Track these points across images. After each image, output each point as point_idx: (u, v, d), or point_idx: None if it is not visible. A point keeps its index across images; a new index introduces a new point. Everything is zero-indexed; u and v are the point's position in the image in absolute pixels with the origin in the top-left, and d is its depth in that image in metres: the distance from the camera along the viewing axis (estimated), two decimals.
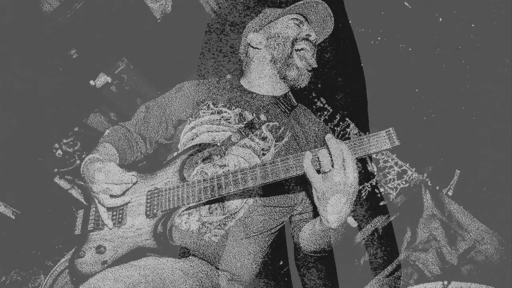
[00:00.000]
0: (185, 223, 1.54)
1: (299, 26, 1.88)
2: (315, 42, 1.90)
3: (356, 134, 2.67)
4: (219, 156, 1.64)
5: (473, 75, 2.27)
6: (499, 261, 2.25)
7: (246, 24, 2.03)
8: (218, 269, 1.59)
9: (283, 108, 1.83)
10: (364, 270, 2.50)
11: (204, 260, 1.57)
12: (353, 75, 2.62)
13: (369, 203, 2.66)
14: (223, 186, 1.43)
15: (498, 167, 2.24)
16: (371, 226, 2.51)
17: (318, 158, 1.27)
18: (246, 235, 1.58)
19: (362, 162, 2.68)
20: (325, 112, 2.73)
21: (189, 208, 1.56)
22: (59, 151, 2.92)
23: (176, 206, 1.50)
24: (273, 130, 1.72)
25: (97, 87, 2.86)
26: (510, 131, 2.18)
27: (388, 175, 2.62)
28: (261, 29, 1.93)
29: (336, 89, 2.70)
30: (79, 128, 3.03)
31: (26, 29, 2.69)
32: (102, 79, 2.84)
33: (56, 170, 2.87)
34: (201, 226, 1.53)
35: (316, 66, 1.86)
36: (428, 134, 2.50)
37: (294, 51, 1.83)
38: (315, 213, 1.66)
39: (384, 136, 1.26)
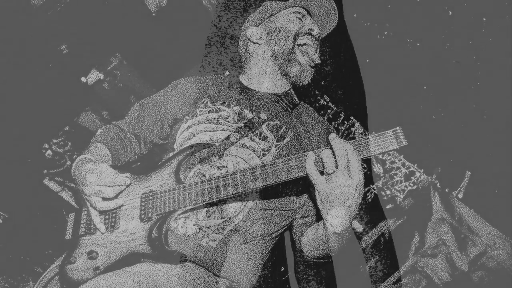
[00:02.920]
0: (182, 227, 1.51)
1: (301, 20, 1.85)
2: (318, 36, 1.88)
3: (361, 133, 2.69)
4: (217, 157, 1.61)
5: (484, 71, 2.28)
6: None
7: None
8: (216, 275, 1.55)
9: (284, 106, 1.82)
10: (368, 278, 2.52)
11: (202, 266, 1.53)
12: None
13: (375, 206, 2.67)
14: (222, 189, 1.41)
15: (510, 168, 2.24)
16: (377, 230, 2.52)
17: (322, 158, 1.25)
18: (245, 240, 1.56)
19: (367, 163, 2.70)
20: (329, 111, 2.76)
21: (186, 211, 1.53)
22: (49, 152, 2.94)
23: (172, 209, 1.47)
24: (274, 129, 1.70)
25: (89, 84, 2.90)
26: None
27: (395, 176, 2.65)
28: (261, 23, 1.91)
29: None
30: (70, 128, 3.05)
31: (14, 23, 2.71)
32: (94, 76, 2.88)
33: (45, 171, 2.88)
34: (198, 231, 1.50)
35: (319, 62, 1.84)
36: (437, 134, 2.54)
37: (296, 46, 1.80)
38: (318, 217, 1.64)
39: (391, 136, 1.24)
